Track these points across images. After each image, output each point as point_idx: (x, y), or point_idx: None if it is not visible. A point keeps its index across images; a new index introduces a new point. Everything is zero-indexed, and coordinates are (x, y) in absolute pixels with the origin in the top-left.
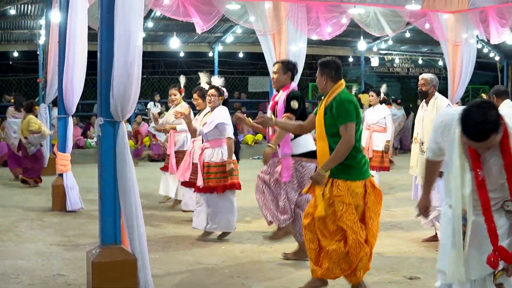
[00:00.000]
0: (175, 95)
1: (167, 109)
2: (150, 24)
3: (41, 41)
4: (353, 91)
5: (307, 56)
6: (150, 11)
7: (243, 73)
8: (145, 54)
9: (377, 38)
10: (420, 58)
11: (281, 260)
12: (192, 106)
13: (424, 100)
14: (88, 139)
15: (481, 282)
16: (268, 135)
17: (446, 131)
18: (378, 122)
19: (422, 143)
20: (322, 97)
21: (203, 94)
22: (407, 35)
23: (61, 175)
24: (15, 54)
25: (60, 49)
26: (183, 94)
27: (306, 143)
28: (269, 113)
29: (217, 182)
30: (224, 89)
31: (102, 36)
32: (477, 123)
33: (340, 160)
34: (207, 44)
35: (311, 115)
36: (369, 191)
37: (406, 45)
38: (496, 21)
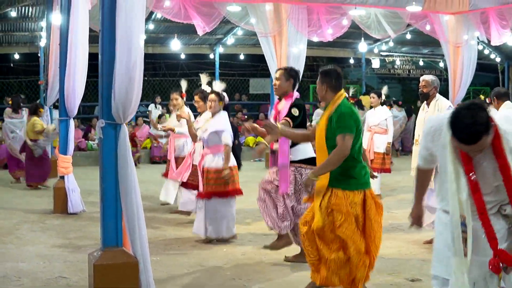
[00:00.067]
0: (176, 100)
1: (168, 111)
2: (151, 26)
3: (42, 43)
4: (351, 93)
5: (308, 57)
6: (151, 13)
7: (244, 75)
8: (146, 56)
9: (378, 40)
10: (421, 59)
11: (283, 262)
12: (193, 108)
13: (425, 101)
14: (90, 141)
15: (483, 284)
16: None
17: (437, 136)
18: (379, 124)
19: None
20: (323, 107)
21: (204, 96)
22: (408, 36)
23: (62, 177)
24: (16, 56)
25: (61, 51)
26: (184, 98)
27: (306, 149)
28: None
29: (216, 188)
30: (225, 94)
31: (103, 38)
32: (467, 126)
33: (331, 168)
34: (208, 46)
35: (315, 126)
36: (369, 202)
37: (407, 47)
38: (497, 22)
